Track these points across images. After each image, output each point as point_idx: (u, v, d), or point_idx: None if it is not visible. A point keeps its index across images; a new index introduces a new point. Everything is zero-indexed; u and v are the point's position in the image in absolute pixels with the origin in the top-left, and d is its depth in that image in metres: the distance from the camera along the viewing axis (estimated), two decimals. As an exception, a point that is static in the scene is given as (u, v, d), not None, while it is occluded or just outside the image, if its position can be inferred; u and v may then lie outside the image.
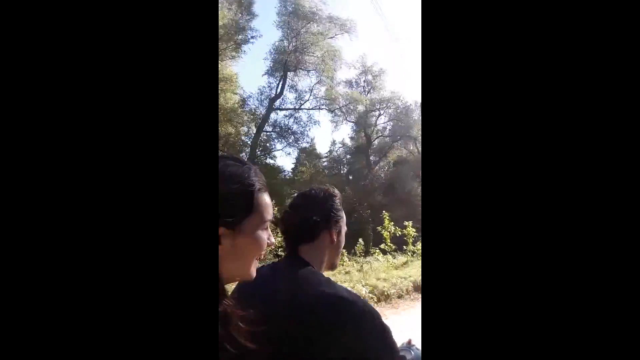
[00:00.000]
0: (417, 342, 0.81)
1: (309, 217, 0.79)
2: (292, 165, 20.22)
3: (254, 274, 0.55)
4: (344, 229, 0.85)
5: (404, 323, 3.64)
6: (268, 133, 18.17)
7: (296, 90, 18.51)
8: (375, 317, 0.65)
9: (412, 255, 7.88)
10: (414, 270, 6.49)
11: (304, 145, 19.35)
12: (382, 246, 7.80)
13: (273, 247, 0.57)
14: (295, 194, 0.87)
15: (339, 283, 0.72)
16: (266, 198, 0.56)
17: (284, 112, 18.47)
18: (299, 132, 18.86)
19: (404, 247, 8.16)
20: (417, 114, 19.24)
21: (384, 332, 0.65)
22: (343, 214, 0.85)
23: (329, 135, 30.41)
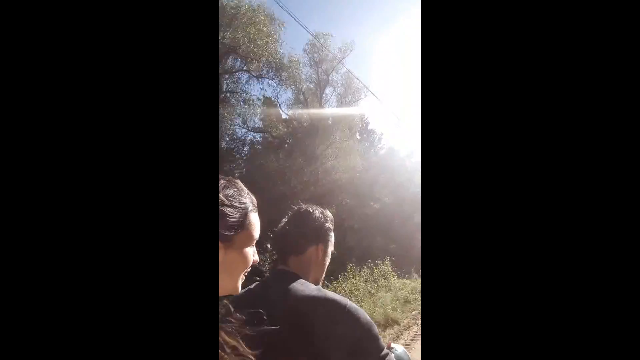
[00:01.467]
0: (396, 346, 0.89)
1: (301, 231, 0.86)
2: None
3: (239, 288, 0.58)
4: (331, 249, 0.90)
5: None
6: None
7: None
8: (361, 314, 0.72)
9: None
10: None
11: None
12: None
13: (256, 264, 0.60)
14: (292, 211, 0.91)
15: None
16: (256, 217, 0.60)
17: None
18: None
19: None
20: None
21: (370, 326, 0.72)
22: (332, 235, 0.90)
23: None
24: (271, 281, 0.81)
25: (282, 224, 0.89)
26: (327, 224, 0.88)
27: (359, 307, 0.74)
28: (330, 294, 0.74)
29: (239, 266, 0.57)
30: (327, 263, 0.90)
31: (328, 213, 0.91)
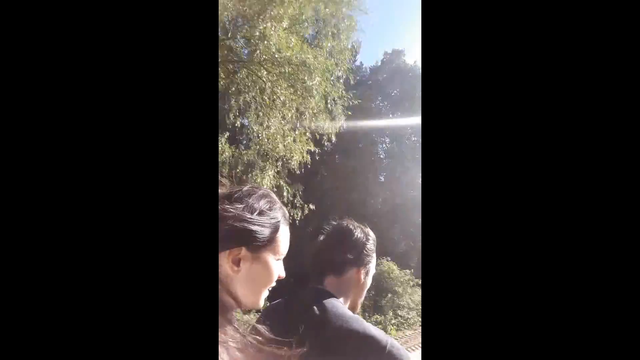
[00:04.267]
0: None
1: (340, 251, 0.78)
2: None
3: (261, 303, 0.56)
4: (373, 271, 0.83)
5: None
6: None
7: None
8: (404, 356, 0.64)
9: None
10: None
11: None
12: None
13: (281, 279, 0.58)
14: (331, 226, 0.83)
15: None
16: (286, 232, 0.59)
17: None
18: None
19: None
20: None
21: None
22: (374, 256, 0.83)
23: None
24: (303, 299, 0.73)
25: (320, 238, 0.82)
26: (368, 245, 0.80)
27: (402, 348, 0.65)
28: (370, 328, 0.66)
29: (262, 279, 0.55)
30: (368, 286, 0.83)
31: (369, 231, 0.83)
